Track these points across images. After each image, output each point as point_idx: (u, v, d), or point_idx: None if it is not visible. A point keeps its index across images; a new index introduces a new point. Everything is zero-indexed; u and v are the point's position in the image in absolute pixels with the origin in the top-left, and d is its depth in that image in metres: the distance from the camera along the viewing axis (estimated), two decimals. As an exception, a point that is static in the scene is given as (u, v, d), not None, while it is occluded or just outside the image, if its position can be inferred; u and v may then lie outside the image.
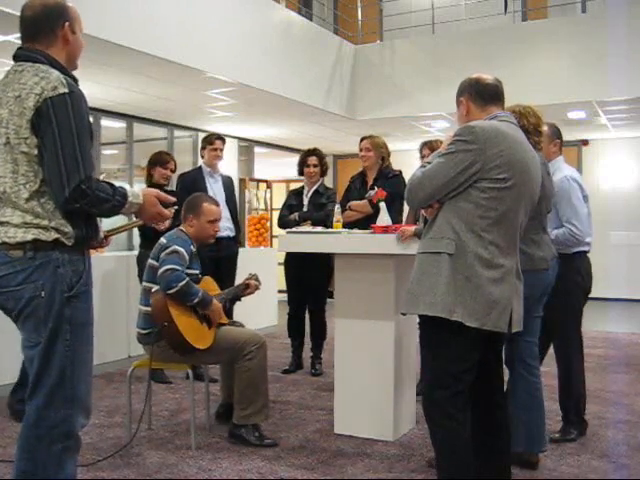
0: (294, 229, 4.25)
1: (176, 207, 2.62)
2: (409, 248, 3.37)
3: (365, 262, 3.68)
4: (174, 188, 5.24)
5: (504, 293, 2.42)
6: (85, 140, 2.05)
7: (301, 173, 5.39)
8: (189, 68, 6.31)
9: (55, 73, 2.06)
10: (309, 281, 5.23)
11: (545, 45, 8.01)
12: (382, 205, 3.94)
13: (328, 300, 5.11)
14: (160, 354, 3.47)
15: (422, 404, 2.52)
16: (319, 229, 4.12)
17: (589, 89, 7.74)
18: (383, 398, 3.62)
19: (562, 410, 3.70)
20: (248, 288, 3.87)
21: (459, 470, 2.41)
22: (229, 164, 9.64)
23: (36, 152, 2.04)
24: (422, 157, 4.52)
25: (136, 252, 5.25)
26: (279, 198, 9.50)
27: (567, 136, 3.91)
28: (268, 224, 8.10)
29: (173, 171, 5.12)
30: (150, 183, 5.01)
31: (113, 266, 5.46)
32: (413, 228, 3.46)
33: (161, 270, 3.42)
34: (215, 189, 5.10)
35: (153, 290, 3.50)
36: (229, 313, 4.43)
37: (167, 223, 4.06)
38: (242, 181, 10.35)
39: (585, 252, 3.63)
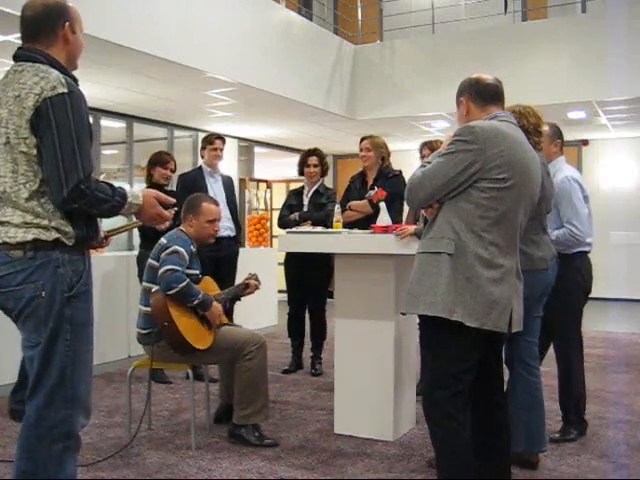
0: (294, 229, 4.25)
1: (176, 208, 2.62)
2: (409, 248, 3.37)
3: (365, 262, 3.68)
4: (174, 188, 5.25)
5: (504, 293, 2.42)
6: (84, 140, 2.05)
7: (301, 173, 5.39)
8: (189, 68, 6.31)
9: (55, 73, 2.06)
10: (309, 281, 5.23)
11: (545, 45, 8.01)
12: (382, 205, 3.94)
13: (328, 300, 5.11)
14: (160, 354, 3.47)
15: (422, 404, 2.52)
16: (319, 229, 4.12)
17: (589, 89, 7.74)
18: (383, 398, 3.62)
19: (562, 410, 3.71)
20: (248, 288, 3.87)
21: (459, 470, 2.41)
22: (229, 164, 9.64)
23: (35, 152, 2.04)
24: (422, 157, 4.53)
25: (136, 252, 5.25)
26: (279, 198, 9.50)
27: (567, 136, 3.91)
28: (268, 224, 8.10)
29: (173, 171, 5.12)
30: (150, 183, 5.01)
31: (113, 266, 5.46)
32: (413, 228, 3.46)
33: (161, 270, 3.42)
34: (215, 189, 5.10)
35: (153, 290, 3.50)
36: (229, 313, 4.43)
37: (167, 223, 4.06)
38: (242, 181, 10.35)
39: (586, 252, 3.62)
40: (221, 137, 5.24)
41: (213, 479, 3.11)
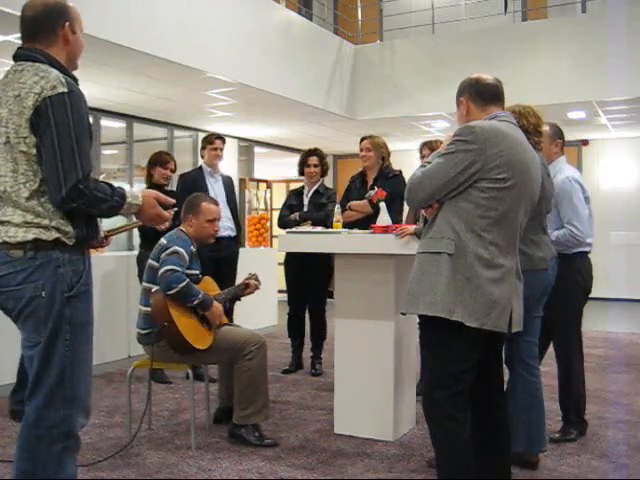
0: (294, 229, 4.25)
1: (176, 208, 2.62)
2: (409, 248, 3.37)
3: (365, 262, 3.68)
4: (174, 188, 5.25)
5: (504, 293, 2.42)
6: (83, 140, 2.05)
7: (301, 173, 5.39)
8: (189, 68, 6.31)
9: (54, 72, 2.06)
10: (309, 281, 5.23)
11: (545, 45, 8.01)
12: (382, 205, 3.94)
13: (328, 300, 5.11)
14: (160, 354, 3.47)
15: (422, 404, 2.52)
16: (319, 229, 4.12)
17: (589, 89, 7.74)
18: (383, 398, 3.62)
19: (562, 410, 3.70)
20: (248, 288, 3.87)
21: (459, 470, 2.41)
22: (229, 164, 9.64)
23: (35, 151, 2.04)
24: (422, 157, 4.53)
25: (136, 252, 5.25)
26: (279, 198, 9.50)
27: (567, 136, 3.91)
28: (268, 224, 8.10)
29: (173, 171, 5.12)
30: (150, 183, 5.01)
31: (113, 266, 5.46)
32: (413, 228, 3.46)
33: (161, 271, 3.43)
34: (216, 189, 5.10)
35: (153, 290, 3.50)
36: (229, 313, 4.43)
37: (167, 223, 4.06)
38: (242, 181, 10.35)
39: (586, 252, 3.62)
40: (221, 137, 5.24)
41: (213, 479, 3.11)
